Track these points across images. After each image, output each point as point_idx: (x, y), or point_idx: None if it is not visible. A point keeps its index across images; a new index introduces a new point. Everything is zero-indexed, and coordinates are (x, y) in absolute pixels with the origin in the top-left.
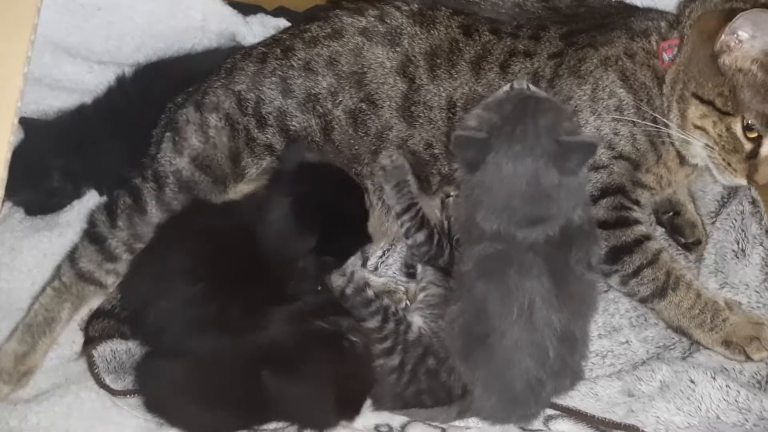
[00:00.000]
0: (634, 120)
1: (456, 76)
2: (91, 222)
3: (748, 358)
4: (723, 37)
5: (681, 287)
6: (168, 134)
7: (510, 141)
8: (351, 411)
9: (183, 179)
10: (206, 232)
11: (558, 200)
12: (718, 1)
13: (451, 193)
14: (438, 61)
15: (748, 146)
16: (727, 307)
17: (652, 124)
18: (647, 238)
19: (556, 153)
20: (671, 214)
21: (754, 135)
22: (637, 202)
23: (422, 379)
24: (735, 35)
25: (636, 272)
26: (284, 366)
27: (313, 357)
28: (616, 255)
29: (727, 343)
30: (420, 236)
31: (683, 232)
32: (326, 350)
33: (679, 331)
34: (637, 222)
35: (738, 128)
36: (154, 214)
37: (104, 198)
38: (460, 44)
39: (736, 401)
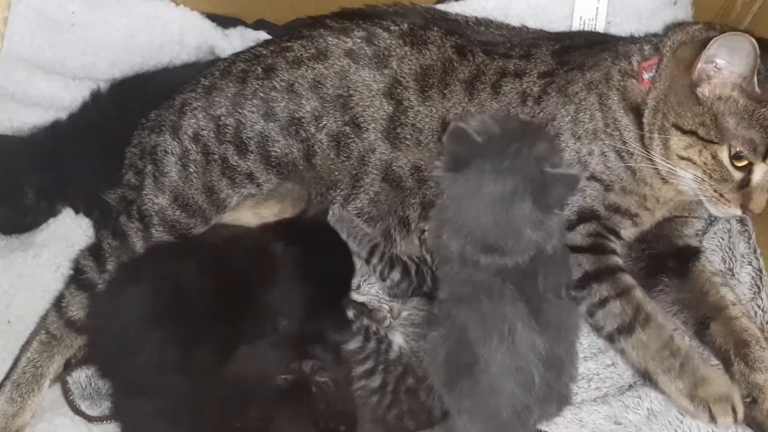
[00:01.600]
0: (603, 140)
1: (449, 96)
2: (78, 269)
3: (712, 418)
4: (699, 65)
5: (651, 326)
6: (149, 168)
7: (501, 154)
8: None
9: (167, 219)
10: (166, 275)
11: (523, 235)
12: (696, 29)
13: (426, 228)
14: (430, 81)
15: (737, 175)
16: (701, 360)
17: (620, 144)
18: (621, 270)
19: (538, 181)
20: (748, 400)
21: (743, 163)
22: (614, 232)
23: (403, 400)
24: (712, 63)
25: (602, 302)
26: (257, 423)
27: (286, 416)
28: (586, 281)
29: (692, 397)
30: (395, 275)
31: (766, 429)
32: (296, 404)
33: (646, 375)
34: (613, 252)
35: (724, 156)
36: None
37: (80, 216)
38: (455, 63)
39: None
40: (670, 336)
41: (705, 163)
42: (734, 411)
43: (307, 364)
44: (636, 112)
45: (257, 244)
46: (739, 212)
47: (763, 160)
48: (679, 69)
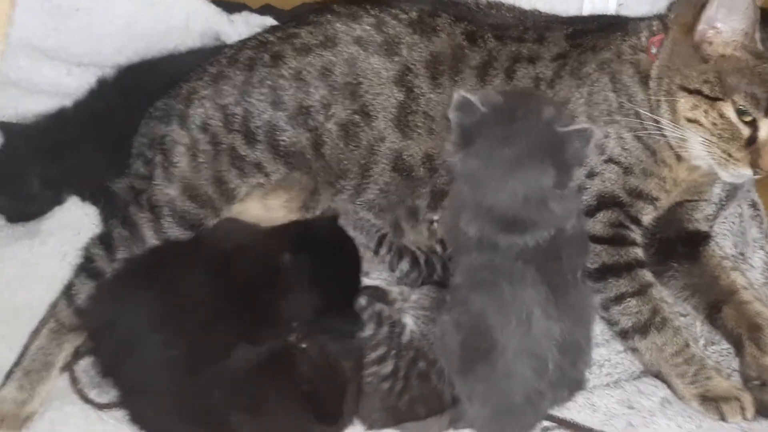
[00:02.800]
0: (619, 120)
1: (461, 82)
2: (88, 257)
3: (722, 417)
4: (700, 26)
5: (667, 330)
6: (158, 158)
7: (510, 119)
8: (333, 411)
9: (177, 210)
10: (168, 280)
11: (546, 203)
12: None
13: (435, 218)
14: (441, 68)
15: (745, 131)
16: (716, 370)
17: (635, 120)
18: (640, 265)
19: (552, 142)
20: (758, 383)
21: (748, 119)
22: (636, 221)
23: (414, 385)
24: (712, 23)
25: (618, 299)
26: (247, 402)
27: (269, 382)
28: (603, 274)
29: (703, 398)
30: (404, 265)
31: None
32: (279, 369)
33: (658, 376)
34: (634, 244)
35: (731, 112)
36: (153, 242)
37: (86, 204)
38: (465, 50)
39: (739, 424)
40: (686, 343)
41: (714, 124)
42: (743, 410)
43: (292, 336)
44: (647, 85)
45: (265, 252)
46: (749, 171)
47: (766, 115)
48: (681, 32)
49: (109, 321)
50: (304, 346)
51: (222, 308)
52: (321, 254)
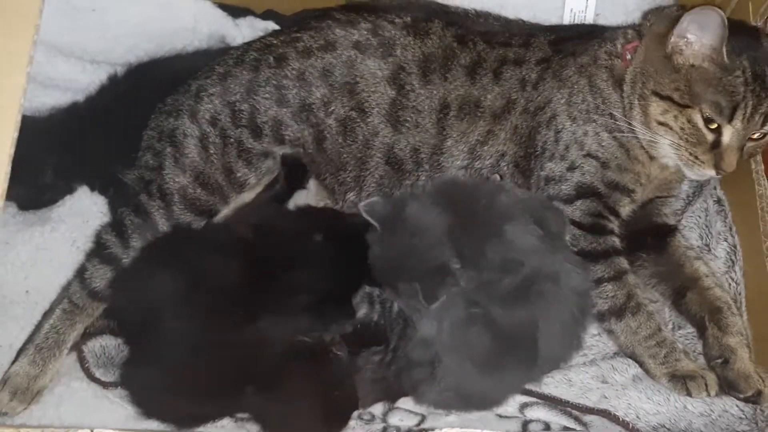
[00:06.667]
0: (596, 119)
1: (451, 78)
2: (100, 243)
3: (689, 393)
4: (672, 39)
5: (641, 314)
6: (168, 150)
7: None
8: (338, 423)
9: (188, 197)
10: (190, 253)
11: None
12: (672, 9)
13: None
14: (432, 66)
15: (710, 136)
16: (684, 352)
17: (610, 120)
18: (617, 252)
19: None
20: (720, 360)
21: (714, 126)
22: (614, 212)
23: (401, 357)
24: (683, 37)
25: (596, 283)
26: (268, 382)
27: (297, 372)
28: (581, 259)
29: (672, 376)
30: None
31: (737, 386)
32: (310, 365)
33: (632, 357)
34: (612, 233)
35: (699, 120)
36: (165, 228)
37: (96, 194)
38: (456, 50)
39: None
40: (658, 327)
41: (682, 128)
42: (708, 387)
43: (328, 335)
44: (621, 88)
45: (297, 227)
46: (713, 172)
47: (729, 122)
48: (656, 41)
49: (135, 299)
50: (339, 353)
51: (245, 278)
52: (346, 244)
